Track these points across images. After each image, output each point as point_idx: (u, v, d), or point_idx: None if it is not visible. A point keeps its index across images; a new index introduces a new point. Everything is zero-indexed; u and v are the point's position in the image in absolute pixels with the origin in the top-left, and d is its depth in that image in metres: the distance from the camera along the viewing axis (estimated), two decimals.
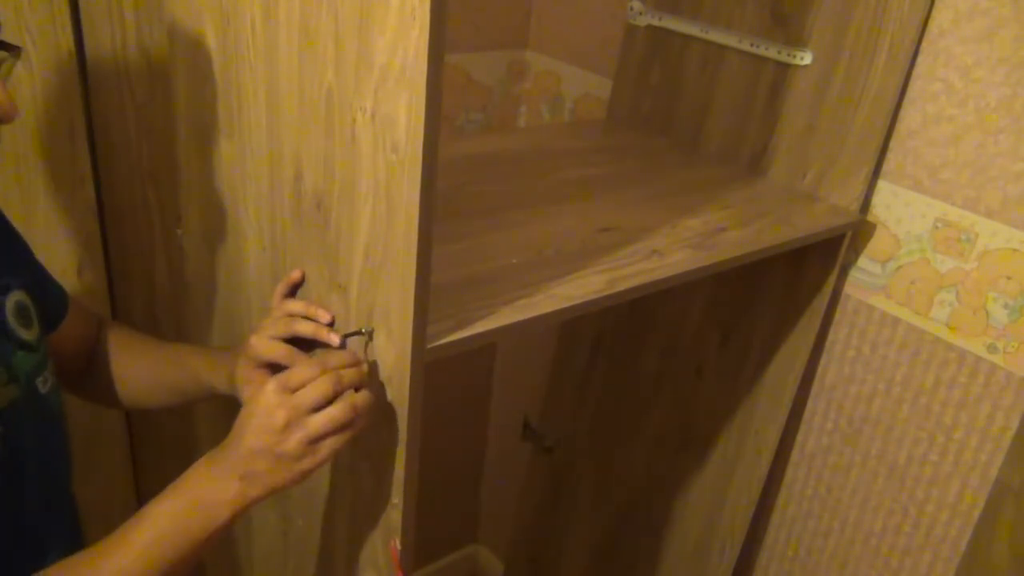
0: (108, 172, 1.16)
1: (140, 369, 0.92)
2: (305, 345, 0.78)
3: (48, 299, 0.85)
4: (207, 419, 1.17)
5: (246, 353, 0.78)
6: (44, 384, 0.76)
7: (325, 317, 0.78)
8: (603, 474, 1.54)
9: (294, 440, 0.67)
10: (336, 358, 0.71)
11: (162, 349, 0.94)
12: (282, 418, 0.67)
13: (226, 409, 1.09)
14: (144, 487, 1.42)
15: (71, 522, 0.85)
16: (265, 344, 0.77)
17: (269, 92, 0.79)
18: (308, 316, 0.78)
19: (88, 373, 0.93)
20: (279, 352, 0.76)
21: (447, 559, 2.11)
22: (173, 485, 0.70)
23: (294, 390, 0.68)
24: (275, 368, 0.77)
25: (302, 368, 0.70)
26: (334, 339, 0.75)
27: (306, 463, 0.68)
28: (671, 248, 0.93)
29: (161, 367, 0.92)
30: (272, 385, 0.68)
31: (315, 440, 0.68)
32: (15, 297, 0.75)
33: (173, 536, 0.67)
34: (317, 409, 0.68)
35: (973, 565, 1.11)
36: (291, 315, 0.79)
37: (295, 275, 0.82)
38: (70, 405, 0.88)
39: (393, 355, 0.71)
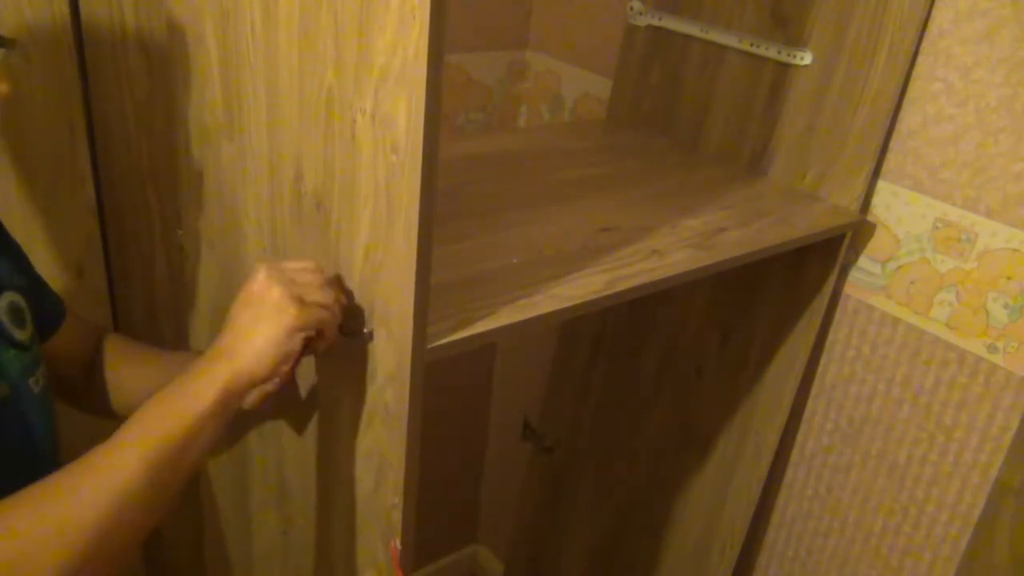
0: (108, 172, 1.15)
1: (142, 378, 0.92)
2: None
3: (44, 306, 0.85)
4: None
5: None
6: (36, 384, 0.76)
7: None
8: (603, 474, 1.54)
9: (276, 290, 0.69)
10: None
11: (167, 356, 0.94)
12: (264, 272, 0.70)
13: None
14: None
15: None
16: None
17: (269, 92, 0.79)
18: None
19: (87, 384, 0.92)
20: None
21: (447, 559, 2.11)
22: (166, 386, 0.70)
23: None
24: None
25: (290, 263, 0.73)
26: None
27: (288, 314, 0.68)
28: (671, 248, 0.93)
29: (166, 374, 0.92)
30: (264, 263, 0.72)
31: (300, 298, 0.69)
32: (9, 297, 0.75)
33: (163, 426, 0.66)
34: None
35: (973, 565, 1.11)
36: None
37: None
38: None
39: (393, 355, 0.71)
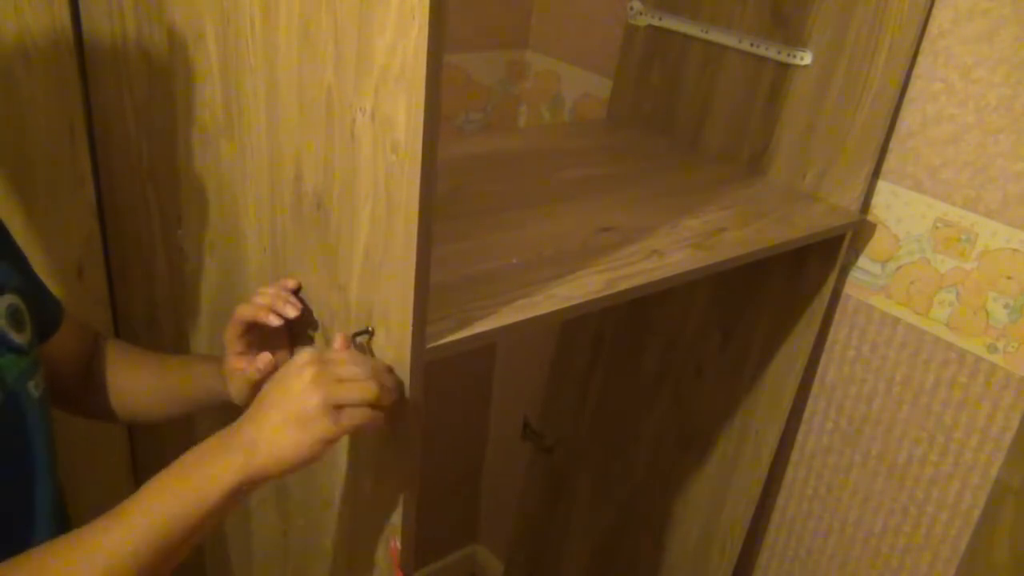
0: (108, 172, 1.15)
1: (141, 381, 0.92)
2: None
3: (43, 308, 0.84)
4: (207, 419, 1.17)
5: (232, 318, 0.79)
6: (36, 388, 0.76)
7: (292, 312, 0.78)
8: (603, 474, 1.54)
9: (317, 398, 0.64)
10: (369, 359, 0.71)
11: (166, 360, 0.94)
12: (310, 373, 0.65)
13: (226, 412, 1.09)
14: None
15: (58, 528, 0.84)
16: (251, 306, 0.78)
17: (269, 92, 0.79)
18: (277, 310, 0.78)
19: (85, 389, 0.92)
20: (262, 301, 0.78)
21: (447, 559, 2.11)
22: (177, 460, 0.67)
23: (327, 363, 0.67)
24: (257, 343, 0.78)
25: (340, 351, 0.69)
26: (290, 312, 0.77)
27: (322, 426, 0.64)
28: (671, 248, 0.93)
29: (166, 378, 0.91)
30: (309, 349, 0.67)
31: (339, 405, 0.65)
32: (8, 299, 0.74)
33: (168, 508, 0.64)
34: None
35: (973, 565, 1.11)
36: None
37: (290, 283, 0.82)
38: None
39: (393, 355, 0.71)
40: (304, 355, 0.67)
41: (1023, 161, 0.99)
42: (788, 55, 1.13)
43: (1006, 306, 1.03)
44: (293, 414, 0.64)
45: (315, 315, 0.82)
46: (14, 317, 0.74)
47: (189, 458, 0.67)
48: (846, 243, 1.10)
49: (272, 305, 0.78)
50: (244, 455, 0.65)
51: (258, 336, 0.81)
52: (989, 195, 1.02)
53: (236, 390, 0.83)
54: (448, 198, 0.99)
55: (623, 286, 0.84)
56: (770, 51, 1.15)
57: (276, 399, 0.66)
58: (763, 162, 1.20)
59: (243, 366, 0.80)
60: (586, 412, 1.54)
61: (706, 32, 1.22)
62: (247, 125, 0.84)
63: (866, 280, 1.16)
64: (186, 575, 1.48)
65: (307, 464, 0.65)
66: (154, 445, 1.38)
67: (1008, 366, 1.04)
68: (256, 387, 0.79)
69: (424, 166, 0.62)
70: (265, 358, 0.78)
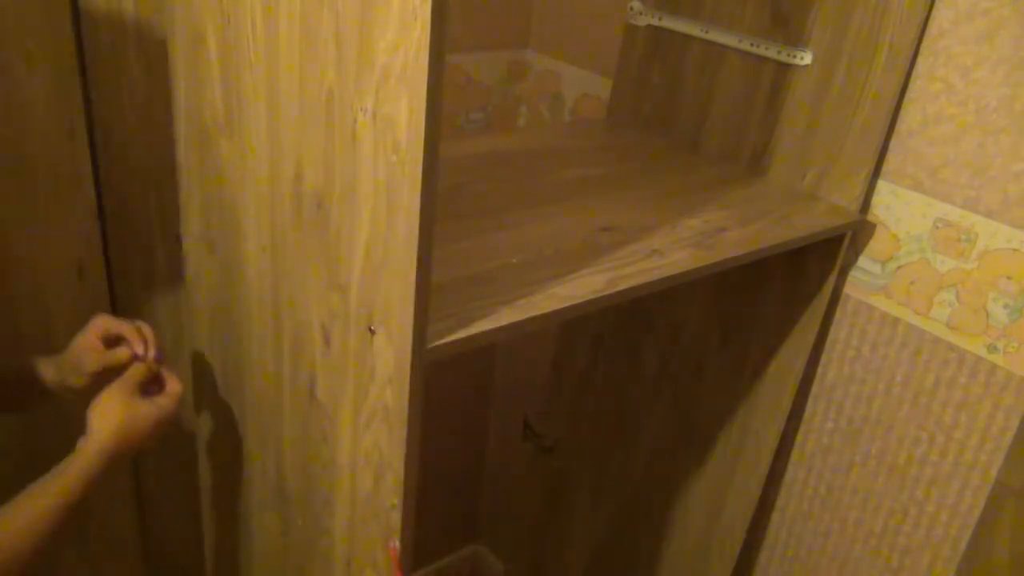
0: (108, 172, 1.15)
1: None
2: None
3: None
4: (207, 418, 1.17)
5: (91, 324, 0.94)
6: None
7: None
8: (603, 474, 1.54)
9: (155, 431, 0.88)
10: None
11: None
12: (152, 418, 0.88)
13: (226, 411, 1.09)
14: (144, 486, 1.42)
15: None
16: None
17: (269, 92, 0.79)
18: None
19: None
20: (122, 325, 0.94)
21: (447, 559, 2.11)
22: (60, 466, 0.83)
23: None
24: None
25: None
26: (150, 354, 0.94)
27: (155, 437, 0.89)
28: (671, 248, 0.93)
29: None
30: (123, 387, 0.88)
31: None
32: None
33: (54, 512, 0.81)
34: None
35: (973, 565, 1.11)
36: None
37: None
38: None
39: (393, 355, 0.71)
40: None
41: (1023, 161, 0.99)
42: (788, 55, 1.13)
43: (1006, 306, 1.03)
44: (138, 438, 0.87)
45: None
46: None
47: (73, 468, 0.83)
48: (846, 243, 1.10)
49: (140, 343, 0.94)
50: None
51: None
52: (989, 195, 1.02)
53: (69, 365, 0.94)
54: (448, 198, 0.99)
55: (623, 286, 0.84)
56: (770, 51, 1.15)
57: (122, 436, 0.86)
58: (763, 162, 1.20)
59: (100, 347, 0.94)
60: (586, 412, 1.54)
61: (706, 32, 1.22)
62: (247, 125, 0.84)
63: (866, 280, 1.16)
64: (186, 575, 1.48)
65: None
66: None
67: (1008, 366, 1.04)
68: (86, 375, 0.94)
69: (425, 166, 0.62)
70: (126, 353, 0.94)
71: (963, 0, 1.00)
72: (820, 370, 1.25)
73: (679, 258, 0.91)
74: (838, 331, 1.21)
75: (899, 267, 1.12)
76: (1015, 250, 1.01)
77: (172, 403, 0.91)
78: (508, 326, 0.75)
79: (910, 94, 1.07)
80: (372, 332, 0.73)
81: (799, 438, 1.31)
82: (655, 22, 1.29)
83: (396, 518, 0.77)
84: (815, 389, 1.26)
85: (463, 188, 1.04)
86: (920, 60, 1.05)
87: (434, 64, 0.59)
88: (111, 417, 0.86)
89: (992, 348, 1.05)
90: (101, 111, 1.12)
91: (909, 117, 1.08)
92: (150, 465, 1.41)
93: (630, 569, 1.53)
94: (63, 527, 0.81)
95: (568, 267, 0.86)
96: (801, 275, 1.16)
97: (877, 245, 1.14)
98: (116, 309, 1.27)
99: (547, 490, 1.67)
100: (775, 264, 1.17)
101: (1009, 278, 1.02)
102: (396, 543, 0.78)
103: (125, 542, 1.43)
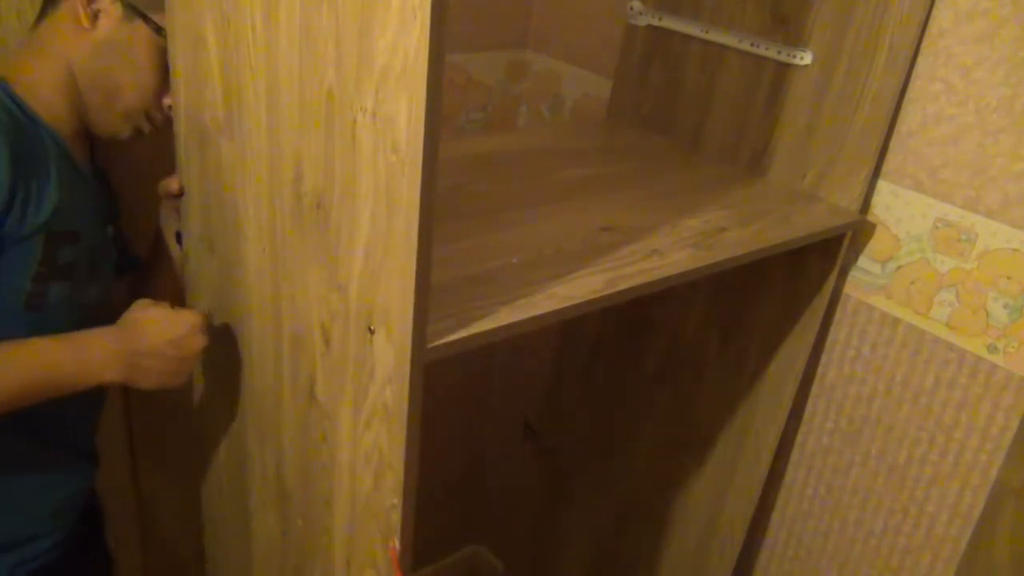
0: (108, 172, 1.15)
1: None
2: None
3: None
4: (207, 418, 1.17)
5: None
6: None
7: None
8: (603, 474, 1.54)
9: (189, 360, 0.90)
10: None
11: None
12: (198, 345, 0.90)
13: (226, 411, 1.09)
14: (144, 486, 1.42)
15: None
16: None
17: (269, 92, 0.79)
18: None
19: None
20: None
21: (447, 559, 2.11)
22: (75, 335, 0.86)
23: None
24: None
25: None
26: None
27: (181, 376, 0.91)
28: (671, 248, 0.93)
29: None
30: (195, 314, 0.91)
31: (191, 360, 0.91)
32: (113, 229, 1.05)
33: (44, 369, 0.83)
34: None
35: (973, 565, 1.11)
36: None
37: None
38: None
39: (393, 355, 0.71)
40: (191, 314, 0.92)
41: (1023, 161, 0.99)
42: (788, 55, 1.13)
43: (1006, 306, 1.03)
44: (166, 362, 0.89)
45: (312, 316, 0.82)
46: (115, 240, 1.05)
47: (86, 343, 0.86)
48: (846, 243, 1.10)
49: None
50: (124, 370, 0.86)
51: None
52: (989, 195, 1.02)
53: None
54: (448, 198, 0.99)
55: (623, 286, 0.84)
56: (770, 51, 1.15)
57: (156, 346, 0.88)
58: (763, 162, 1.20)
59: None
60: (586, 412, 1.54)
61: (706, 32, 1.22)
62: (247, 125, 0.84)
63: (866, 280, 1.16)
64: (186, 575, 1.48)
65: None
66: (154, 444, 1.38)
67: (1008, 366, 1.04)
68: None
69: (424, 166, 0.62)
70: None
71: (963, 0, 1.00)
72: (820, 370, 1.25)
73: (679, 258, 0.91)
74: (838, 331, 1.21)
75: (899, 267, 1.12)
76: (1015, 250, 1.01)
77: (190, 318, 0.91)
78: (508, 326, 0.75)
79: (910, 94, 1.07)
80: (372, 332, 0.73)
81: (799, 438, 1.31)
82: (655, 22, 1.29)
83: (396, 518, 0.77)
84: (815, 389, 1.26)
85: (463, 188, 1.04)
86: (920, 60, 1.05)
87: (434, 64, 0.59)
88: (128, 315, 0.90)
89: (992, 348, 1.05)
90: None
91: (909, 117, 1.08)
92: (150, 465, 1.41)
93: (630, 569, 1.53)
94: (38, 387, 0.82)
95: (568, 267, 0.86)
96: (801, 275, 1.16)
97: (877, 245, 1.14)
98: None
99: (547, 490, 1.67)
100: (775, 264, 1.17)
101: (1009, 278, 1.02)
102: (396, 543, 0.78)
103: (125, 542, 1.44)
